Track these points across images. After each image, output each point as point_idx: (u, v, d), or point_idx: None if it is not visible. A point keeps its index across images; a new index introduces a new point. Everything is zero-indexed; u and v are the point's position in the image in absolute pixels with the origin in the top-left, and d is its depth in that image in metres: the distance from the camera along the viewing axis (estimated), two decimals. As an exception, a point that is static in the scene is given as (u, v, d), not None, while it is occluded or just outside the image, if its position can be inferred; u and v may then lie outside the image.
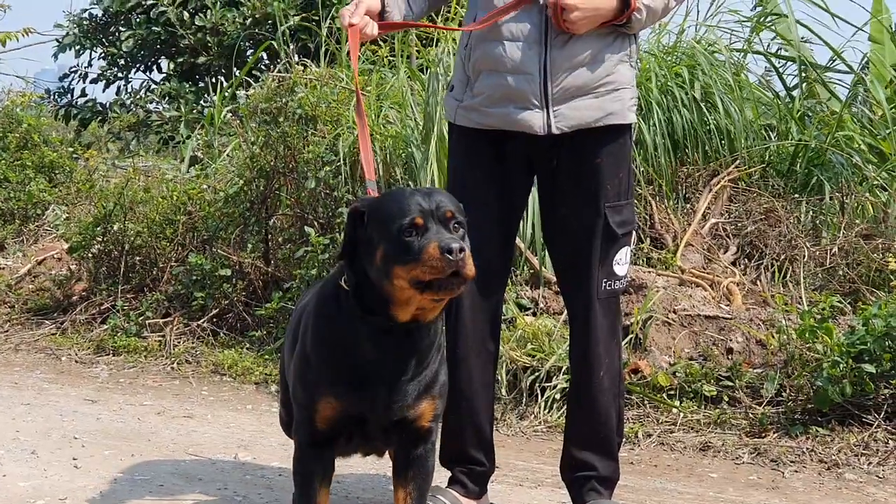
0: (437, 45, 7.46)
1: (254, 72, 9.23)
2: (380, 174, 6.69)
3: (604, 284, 3.83)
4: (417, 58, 7.84)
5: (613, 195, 3.80)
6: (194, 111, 11.43)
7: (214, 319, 6.93)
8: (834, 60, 8.22)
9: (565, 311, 5.81)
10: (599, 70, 3.72)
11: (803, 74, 7.99)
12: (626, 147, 3.88)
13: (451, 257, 2.87)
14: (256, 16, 11.31)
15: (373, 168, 3.56)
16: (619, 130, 3.82)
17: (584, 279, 3.83)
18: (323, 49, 8.11)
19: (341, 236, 6.34)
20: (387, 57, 7.73)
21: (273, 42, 9.19)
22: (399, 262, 2.93)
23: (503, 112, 3.72)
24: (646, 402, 5.43)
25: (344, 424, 3.20)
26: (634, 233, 4.27)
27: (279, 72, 7.70)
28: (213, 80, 11.03)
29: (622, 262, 3.85)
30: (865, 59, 8.04)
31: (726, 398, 5.39)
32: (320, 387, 3.17)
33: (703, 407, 5.38)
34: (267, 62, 11.56)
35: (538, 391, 5.45)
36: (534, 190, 4.07)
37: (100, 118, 13.08)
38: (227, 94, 8.73)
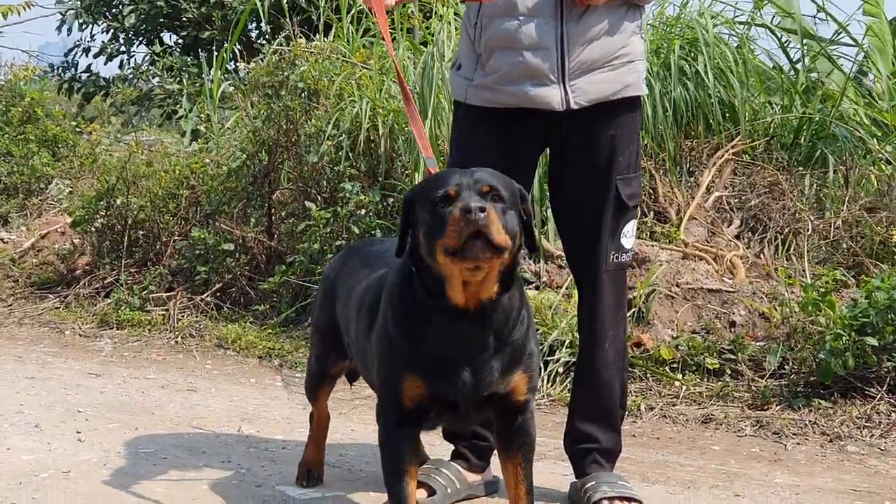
0: (435, 17, 7.41)
1: (255, 45, 9.21)
2: (384, 148, 6.69)
3: (612, 257, 3.83)
4: (420, 30, 7.80)
5: (624, 167, 3.79)
6: (197, 84, 11.42)
7: (218, 294, 6.95)
8: (839, 34, 8.20)
9: (567, 285, 5.83)
10: (614, 42, 3.69)
11: (805, 48, 7.97)
12: (637, 119, 3.87)
13: (469, 216, 2.84)
14: (260, -12, 11.26)
15: (428, 145, 3.54)
16: (632, 103, 3.80)
17: (593, 252, 3.82)
18: (322, 22, 8.09)
19: (356, 212, 6.40)
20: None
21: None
22: (436, 235, 2.93)
23: (520, 90, 3.67)
24: (648, 375, 5.43)
25: (432, 404, 3.19)
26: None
27: (280, 45, 7.67)
28: (217, 53, 11.03)
29: (629, 235, 3.85)
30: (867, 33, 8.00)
31: (729, 371, 5.40)
32: (407, 368, 3.16)
33: (705, 380, 5.38)
34: (269, 36, 11.54)
35: (541, 365, 5.45)
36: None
37: (103, 92, 13.08)
38: (226, 64, 8.70)
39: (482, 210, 2.85)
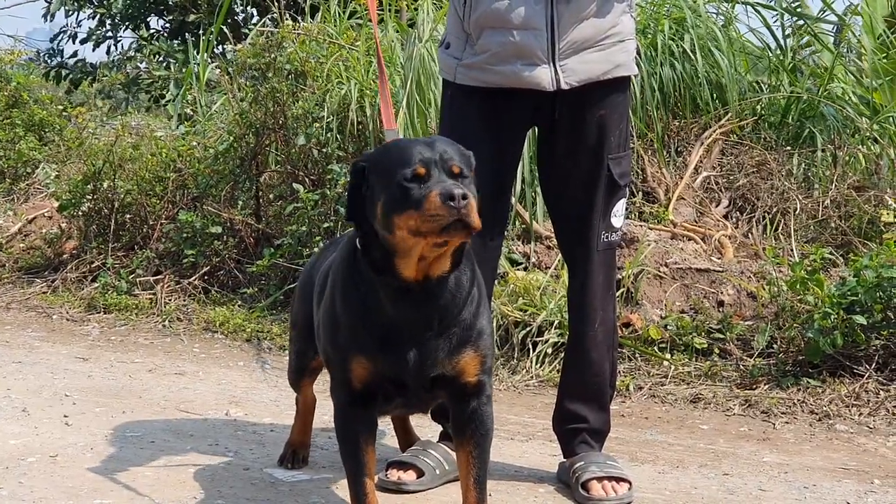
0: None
1: (244, 30, 9.17)
2: (372, 130, 6.66)
3: (602, 237, 3.82)
4: (408, 11, 7.77)
5: (615, 146, 3.77)
6: (184, 70, 11.38)
7: (206, 277, 6.92)
8: (824, 11, 8.19)
9: (555, 266, 5.83)
10: (605, 22, 3.67)
11: (791, 26, 7.96)
12: (627, 98, 3.86)
13: (453, 204, 2.74)
14: (246, -28, 11.24)
15: (392, 117, 3.49)
16: (622, 82, 3.79)
17: (584, 231, 3.82)
18: (309, 4, 8.06)
19: (343, 194, 6.36)
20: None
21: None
22: (399, 211, 2.82)
23: (510, 69, 3.64)
24: (637, 355, 5.43)
25: (380, 385, 3.11)
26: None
27: (266, 26, 7.65)
28: (204, 37, 11.00)
29: (619, 214, 3.84)
30: (849, 8, 7.99)
31: (717, 350, 5.39)
32: (351, 347, 3.09)
33: (693, 359, 5.38)
34: (256, 19, 11.49)
35: (530, 346, 5.45)
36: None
37: (90, 78, 13.03)
38: (213, 47, 8.67)
39: (465, 198, 2.76)
